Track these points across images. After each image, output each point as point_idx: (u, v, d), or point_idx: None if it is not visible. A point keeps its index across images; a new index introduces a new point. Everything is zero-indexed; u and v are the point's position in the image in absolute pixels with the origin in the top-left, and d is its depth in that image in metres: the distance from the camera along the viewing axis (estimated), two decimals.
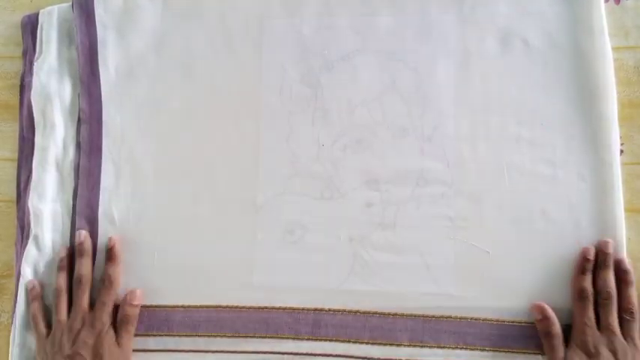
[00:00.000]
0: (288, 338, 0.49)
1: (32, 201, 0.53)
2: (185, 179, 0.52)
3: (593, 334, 0.44)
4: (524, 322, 0.47)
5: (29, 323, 0.51)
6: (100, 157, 0.53)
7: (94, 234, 0.52)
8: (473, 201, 0.49)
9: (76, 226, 0.52)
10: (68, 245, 0.52)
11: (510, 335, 0.47)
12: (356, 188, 0.50)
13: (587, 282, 0.45)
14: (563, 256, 0.48)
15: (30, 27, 0.57)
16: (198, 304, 0.50)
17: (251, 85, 0.53)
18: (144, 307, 0.50)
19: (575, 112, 0.49)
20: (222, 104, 0.53)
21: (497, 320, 0.47)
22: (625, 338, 0.43)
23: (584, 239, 0.47)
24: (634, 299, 0.45)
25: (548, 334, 0.45)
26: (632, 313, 0.44)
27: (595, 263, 0.46)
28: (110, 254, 0.50)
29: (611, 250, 0.46)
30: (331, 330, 0.48)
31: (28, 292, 0.51)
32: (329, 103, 0.51)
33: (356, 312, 0.49)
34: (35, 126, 0.54)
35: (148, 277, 0.51)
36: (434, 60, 0.51)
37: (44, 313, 0.50)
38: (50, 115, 0.54)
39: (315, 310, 0.49)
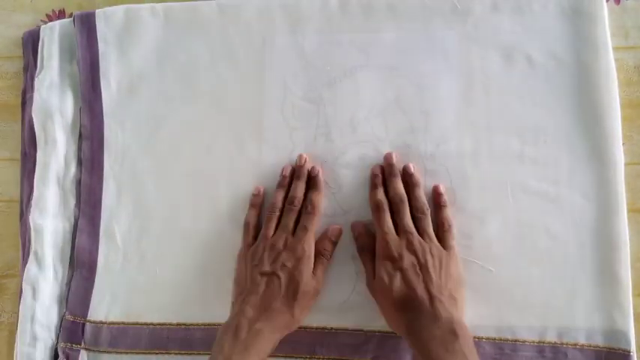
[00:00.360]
0: (292, 357, 0.48)
1: (33, 217, 0.53)
2: (186, 195, 0.52)
3: (393, 239, 0.45)
4: (528, 342, 0.47)
5: (31, 341, 0.51)
6: (102, 173, 0.53)
7: (94, 251, 0.52)
8: (476, 219, 0.49)
9: (77, 243, 0.52)
10: (290, 167, 0.51)
11: (513, 354, 0.47)
12: (359, 205, 0.50)
13: (380, 194, 0.48)
14: (567, 275, 0.47)
15: (31, 42, 0.57)
16: (200, 322, 0.50)
17: (253, 101, 0.52)
18: (145, 324, 0.50)
19: (579, 130, 0.49)
20: (223, 120, 0.53)
21: (499, 339, 0.47)
22: (422, 235, 0.46)
23: (588, 257, 0.47)
24: (422, 198, 0.48)
25: (364, 250, 0.48)
26: (422, 210, 0.47)
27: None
28: (314, 182, 0.50)
29: (394, 160, 0.49)
30: (334, 350, 0.48)
31: (252, 196, 0.51)
32: (331, 120, 0.51)
33: (359, 331, 0.48)
34: (37, 142, 0.54)
35: (150, 293, 0.51)
36: (437, 76, 0.51)
37: (257, 223, 0.50)
38: (51, 131, 0.54)
39: (317, 328, 0.49)
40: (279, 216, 0.49)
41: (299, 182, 0.50)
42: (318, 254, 0.48)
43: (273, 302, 0.44)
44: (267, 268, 0.46)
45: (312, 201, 0.49)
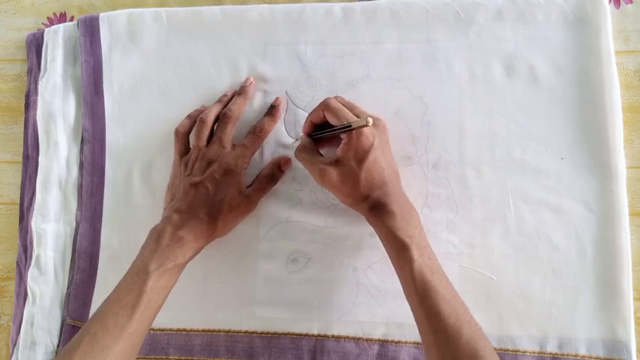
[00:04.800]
0: None
1: (35, 221, 0.53)
2: None
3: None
4: (529, 352, 0.47)
5: (32, 344, 0.51)
6: (103, 177, 0.53)
7: (95, 255, 0.52)
8: (478, 228, 0.49)
9: (78, 247, 0.52)
10: (230, 93, 0.52)
11: None
12: (354, 214, 0.49)
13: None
14: (569, 285, 0.47)
15: (35, 45, 0.57)
16: (199, 328, 0.50)
17: (254, 110, 0.52)
18: None
19: (581, 140, 0.49)
20: None
21: (500, 349, 0.47)
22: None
23: (590, 268, 0.47)
24: None
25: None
26: None
27: None
28: (272, 110, 0.51)
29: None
30: (333, 357, 0.48)
31: (194, 111, 0.52)
32: None
33: (359, 339, 0.48)
34: (39, 145, 0.54)
35: None
36: (439, 86, 0.51)
37: (186, 132, 0.51)
38: (54, 134, 0.54)
39: (318, 336, 0.49)
40: (211, 128, 0.50)
41: (239, 98, 0.51)
42: (263, 177, 0.49)
43: (199, 211, 0.45)
44: (197, 178, 0.47)
45: (264, 126, 0.50)
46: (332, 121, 0.44)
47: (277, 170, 0.50)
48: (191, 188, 0.47)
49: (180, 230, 0.44)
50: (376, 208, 0.42)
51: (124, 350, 0.39)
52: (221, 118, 0.50)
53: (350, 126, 0.42)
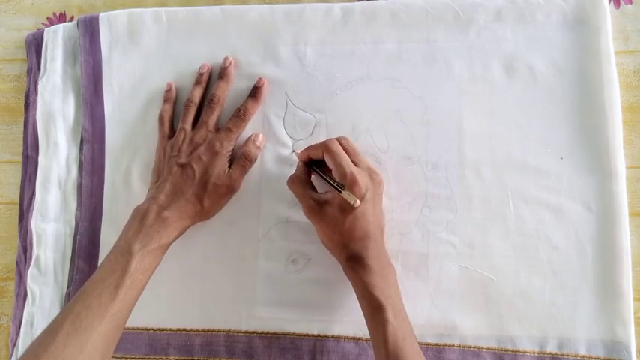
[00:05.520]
0: None
1: (35, 221, 0.53)
2: None
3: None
4: (528, 352, 0.47)
5: None
6: (103, 178, 0.53)
7: (95, 255, 0.52)
8: (478, 228, 0.49)
9: (78, 247, 0.52)
10: (208, 65, 0.53)
11: None
12: None
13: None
14: (568, 285, 0.47)
15: (35, 45, 0.57)
16: (199, 327, 0.50)
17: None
18: (145, 329, 0.50)
19: (581, 140, 0.49)
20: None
21: (500, 349, 0.47)
22: None
23: (590, 268, 0.47)
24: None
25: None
26: None
27: None
28: (255, 92, 0.52)
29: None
30: (333, 357, 0.48)
31: (164, 92, 0.53)
32: (333, 130, 0.51)
33: (359, 339, 0.48)
34: (39, 145, 0.54)
35: (149, 299, 0.50)
36: (439, 86, 0.51)
37: (171, 116, 0.53)
38: (53, 134, 0.54)
39: (318, 336, 0.49)
40: (197, 111, 0.51)
41: (221, 82, 0.52)
42: (239, 158, 0.50)
43: (185, 192, 0.47)
44: (183, 159, 0.48)
45: (247, 109, 0.51)
46: (329, 164, 0.45)
47: (253, 148, 0.51)
48: (178, 169, 0.48)
49: (166, 211, 0.45)
50: (353, 260, 0.43)
51: (107, 330, 0.39)
52: (208, 104, 0.51)
53: (341, 190, 0.42)
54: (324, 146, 0.45)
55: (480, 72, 0.50)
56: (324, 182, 0.46)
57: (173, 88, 0.53)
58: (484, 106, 0.50)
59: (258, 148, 0.51)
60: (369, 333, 0.42)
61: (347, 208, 0.43)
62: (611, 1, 0.52)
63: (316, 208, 0.44)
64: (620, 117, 0.49)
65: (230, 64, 0.52)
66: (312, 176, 0.48)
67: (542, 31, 0.50)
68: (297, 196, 0.46)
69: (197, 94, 0.52)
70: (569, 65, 0.50)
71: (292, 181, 0.47)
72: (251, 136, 0.51)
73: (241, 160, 0.50)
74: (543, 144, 0.49)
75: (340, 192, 0.42)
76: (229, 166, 0.49)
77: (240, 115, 0.51)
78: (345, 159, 0.44)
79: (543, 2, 0.50)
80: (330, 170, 0.45)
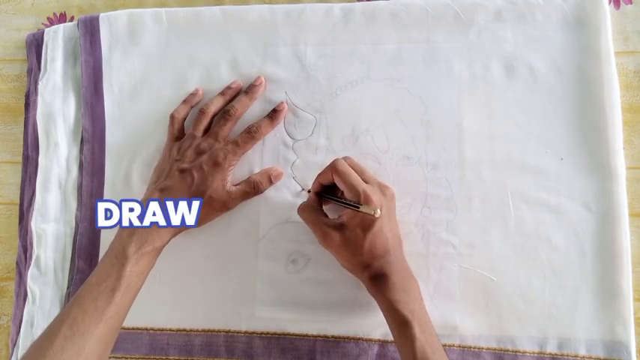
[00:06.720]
0: None
1: (35, 222, 0.53)
2: None
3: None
4: (528, 352, 0.47)
5: None
6: (103, 177, 0.53)
7: (95, 255, 0.52)
8: (478, 228, 0.49)
9: (78, 248, 0.52)
10: (239, 82, 0.52)
11: None
12: None
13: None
14: (568, 285, 0.47)
15: (35, 46, 0.57)
16: (199, 328, 0.50)
17: (254, 110, 0.52)
18: (146, 330, 0.50)
19: (581, 140, 0.49)
20: None
21: (500, 349, 0.47)
22: None
23: (590, 268, 0.47)
24: None
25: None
26: None
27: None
28: (274, 114, 0.51)
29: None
30: (333, 357, 0.48)
31: (189, 94, 0.53)
32: (332, 131, 0.51)
33: (359, 339, 0.48)
34: (39, 146, 0.54)
35: (150, 299, 0.51)
36: (438, 87, 0.51)
37: (182, 119, 0.52)
38: (54, 134, 0.54)
39: (318, 336, 0.49)
40: (211, 120, 0.51)
41: (245, 97, 0.51)
42: (250, 183, 0.49)
43: (180, 197, 0.46)
44: (185, 164, 0.48)
45: (261, 127, 0.50)
46: (340, 185, 0.44)
47: (266, 180, 0.50)
48: (178, 173, 0.47)
49: None
50: (377, 279, 0.42)
51: (104, 333, 0.40)
52: (222, 114, 0.50)
53: (358, 206, 0.42)
54: (332, 168, 0.44)
55: (480, 72, 0.50)
56: (337, 207, 0.46)
57: (200, 94, 0.53)
58: (484, 107, 0.50)
59: (272, 183, 0.50)
60: (397, 349, 0.42)
61: (367, 225, 0.42)
62: (611, 2, 0.52)
63: (333, 233, 0.43)
64: (620, 117, 0.49)
65: (260, 84, 0.52)
66: (325, 206, 0.48)
67: (542, 32, 0.50)
68: (310, 223, 0.46)
69: (217, 103, 0.51)
70: (569, 65, 0.50)
71: (303, 209, 0.46)
72: (271, 168, 0.51)
73: (248, 186, 0.49)
74: (543, 144, 0.49)
75: (358, 208, 0.42)
76: (236, 184, 0.49)
77: (251, 131, 0.50)
78: (355, 177, 0.44)
79: (543, 2, 0.50)
80: (341, 192, 0.45)
